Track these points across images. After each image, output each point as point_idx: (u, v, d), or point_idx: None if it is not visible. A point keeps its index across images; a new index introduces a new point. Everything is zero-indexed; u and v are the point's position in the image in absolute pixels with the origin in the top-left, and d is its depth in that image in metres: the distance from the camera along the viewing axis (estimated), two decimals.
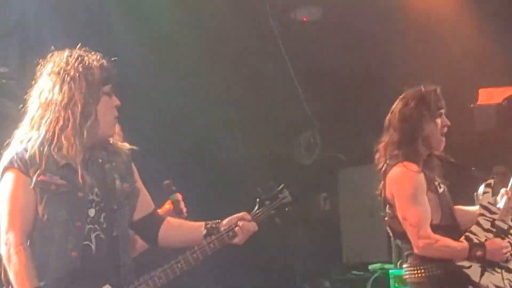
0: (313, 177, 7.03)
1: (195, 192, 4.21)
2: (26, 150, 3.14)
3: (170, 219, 3.49)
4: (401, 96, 4.11)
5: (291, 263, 6.99)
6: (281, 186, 3.49)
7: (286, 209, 3.48)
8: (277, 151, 7.02)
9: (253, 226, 3.30)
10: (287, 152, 7.08)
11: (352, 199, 6.86)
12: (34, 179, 3.11)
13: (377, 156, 4.23)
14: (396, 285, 5.64)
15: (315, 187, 7.21)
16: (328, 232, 6.97)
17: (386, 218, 4.16)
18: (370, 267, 6.33)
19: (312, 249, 6.90)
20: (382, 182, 4.16)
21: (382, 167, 4.17)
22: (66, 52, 3.19)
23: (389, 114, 4.21)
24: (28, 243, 3.10)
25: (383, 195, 4.17)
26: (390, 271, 6.06)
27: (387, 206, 4.14)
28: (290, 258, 6.90)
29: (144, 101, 5.69)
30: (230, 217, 3.37)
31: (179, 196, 3.92)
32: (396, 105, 4.14)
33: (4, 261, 3.09)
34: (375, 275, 6.25)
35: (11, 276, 3.07)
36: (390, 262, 6.35)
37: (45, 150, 3.13)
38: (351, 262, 6.74)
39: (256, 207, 3.43)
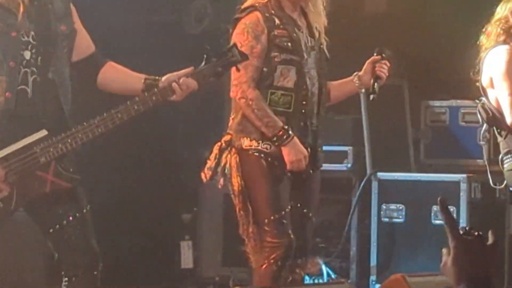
0: (201, 47, 7.21)
1: None
2: None
3: (113, 64, 3.63)
4: None
5: (171, 130, 7.13)
6: (231, 44, 3.70)
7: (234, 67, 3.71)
8: (165, 19, 7.20)
9: (193, 84, 3.46)
10: (176, 20, 7.24)
11: None
12: None
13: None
14: None
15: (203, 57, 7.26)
16: (212, 102, 7.12)
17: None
18: None
19: (194, 117, 7.16)
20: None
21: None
22: None
23: None
24: None
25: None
26: None
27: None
28: (170, 124, 7.02)
29: None
30: (170, 74, 3.50)
31: None
32: None
33: None
34: None
35: None
36: None
37: None
38: None
39: (203, 63, 3.54)
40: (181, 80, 3.47)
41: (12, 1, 3.30)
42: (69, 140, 3.30)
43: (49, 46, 3.38)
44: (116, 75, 3.64)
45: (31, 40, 3.34)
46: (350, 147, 5.96)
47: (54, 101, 3.40)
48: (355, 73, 4.26)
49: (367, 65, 4.19)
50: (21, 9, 3.29)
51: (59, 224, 3.46)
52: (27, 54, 3.33)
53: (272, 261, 4.11)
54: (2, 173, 3.25)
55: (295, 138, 4.02)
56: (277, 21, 4.08)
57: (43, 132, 3.28)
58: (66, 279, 3.54)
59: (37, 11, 3.37)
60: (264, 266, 4.13)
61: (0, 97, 3.28)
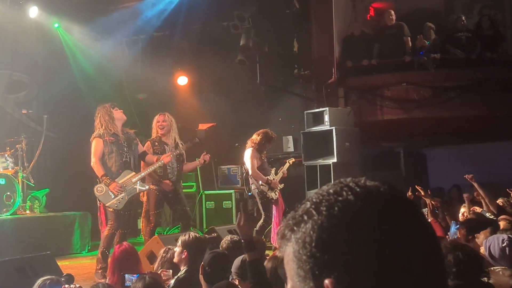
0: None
1: None
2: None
3: (150, 155, 8.66)
4: None
5: None
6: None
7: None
8: None
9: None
10: None
11: None
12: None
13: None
14: None
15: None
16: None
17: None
18: None
19: None
20: None
21: None
22: None
23: None
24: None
25: None
26: None
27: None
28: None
29: None
30: (164, 155, 8.70)
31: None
32: None
33: None
34: None
35: None
36: None
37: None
38: None
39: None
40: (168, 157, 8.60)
41: (118, 135, 7.88)
42: (140, 175, 8.09)
43: (132, 148, 8.11)
44: (151, 158, 8.52)
45: (125, 145, 8.04)
46: (195, 183, 13.10)
47: (133, 163, 8.15)
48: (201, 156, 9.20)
49: (201, 157, 9.28)
50: (121, 137, 8.02)
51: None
52: (125, 150, 7.99)
53: (153, 225, 8.96)
54: (119, 185, 7.77)
55: (168, 181, 8.87)
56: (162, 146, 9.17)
57: (132, 173, 8.12)
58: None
59: (127, 137, 8.12)
60: (149, 229, 8.97)
61: (118, 162, 7.91)
